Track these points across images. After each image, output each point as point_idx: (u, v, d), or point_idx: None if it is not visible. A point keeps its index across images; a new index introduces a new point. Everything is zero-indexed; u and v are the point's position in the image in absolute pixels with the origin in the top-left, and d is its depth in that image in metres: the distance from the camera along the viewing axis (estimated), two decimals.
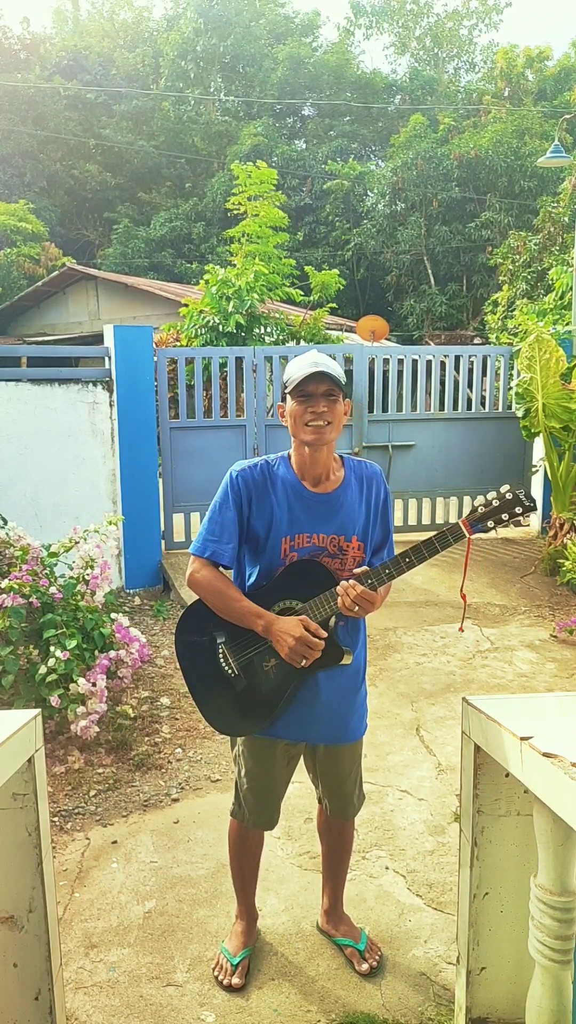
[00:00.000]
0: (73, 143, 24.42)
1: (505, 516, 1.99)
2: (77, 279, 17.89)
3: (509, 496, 2.00)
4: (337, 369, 2.06)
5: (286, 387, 2.07)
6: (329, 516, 2.11)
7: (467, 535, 1.99)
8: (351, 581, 1.98)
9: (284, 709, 2.12)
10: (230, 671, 2.12)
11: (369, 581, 1.99)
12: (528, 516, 1.99)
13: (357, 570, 2.02)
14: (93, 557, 4.10)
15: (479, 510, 2.01)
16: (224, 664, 2.12)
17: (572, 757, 1.44)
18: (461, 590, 2.21)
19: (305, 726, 2.19)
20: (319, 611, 2.04)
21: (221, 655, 2.13)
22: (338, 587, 1.99)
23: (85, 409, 5.80)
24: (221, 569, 2.14)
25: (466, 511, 7.25)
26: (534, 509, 2.01)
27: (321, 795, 2.42)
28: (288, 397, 2.07)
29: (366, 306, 21.09)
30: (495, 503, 2.00)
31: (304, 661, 2.00)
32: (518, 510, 1.98)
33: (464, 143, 19.94)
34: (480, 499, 2.02)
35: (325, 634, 2.01)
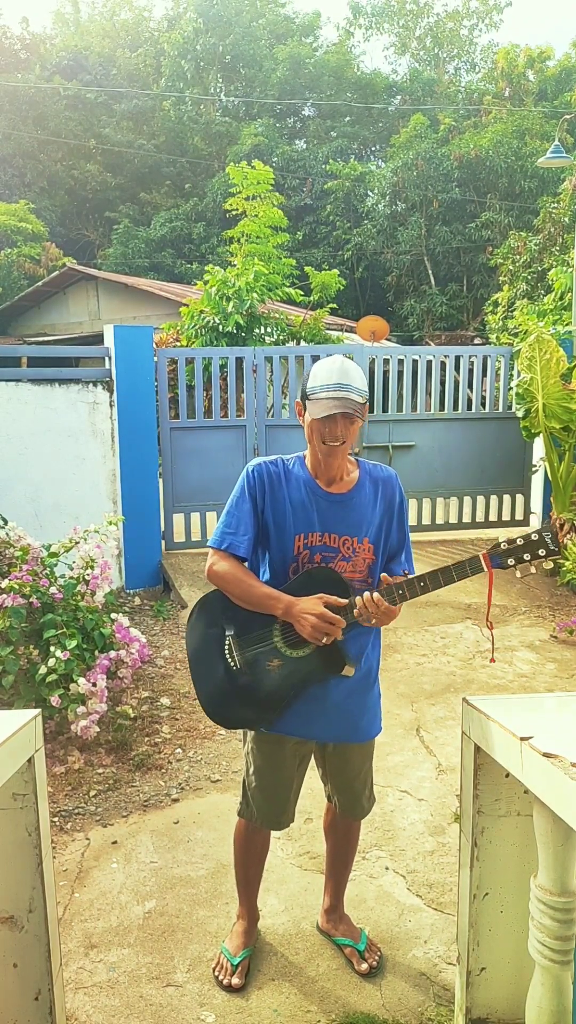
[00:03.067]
0: (73, 143, 24.42)
1: (527, 556, 1.99)
2: (77, 279, 17.90)
3: (535, 537, 2.00)
4: (361, 386, 2.05)
5: (308, 395, 2.06)
6: (342, 516, 2.13)
7: (486, 569, 2.00)
8: (375, 595, 1.99)
9: (282, 712, 2.12)
10: (233, 664, 2.13)
11: (388, 597, 2.01)
12: (549, 560, 2.00)
13: (394, 579, 2.03)
14: (93, 557, 4.10)
15: (502, 546, 2.01)
16: (229, 657, 2.14)
17: (572, 757, 1.44)
18: (487, 619, 2.22)
19: (314, 724, 2.19)
20: None
21: (227, 647, 2.14)
22: (358, 598, 2.00)
23: (85, 409, 5.80)
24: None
25: (466, 511, 7.27)
26: (558, 554, 2.00)
27: (330, 793, 2.41)
28: (307, 407, 2.07)
29: (366, 306, 21.09)
30: (520, 542, 2.00)
31: (326, 639, 2.00)
32: (542, 552, 1.98)
33: (464, 143, 19.94)
34: (506, 536, 2.03)
35: (344, 602, 2.02)
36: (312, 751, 2.33)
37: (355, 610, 2.01)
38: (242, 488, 2.15)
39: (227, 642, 2.14)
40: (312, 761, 2.38)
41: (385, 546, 2.18)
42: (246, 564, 2.15)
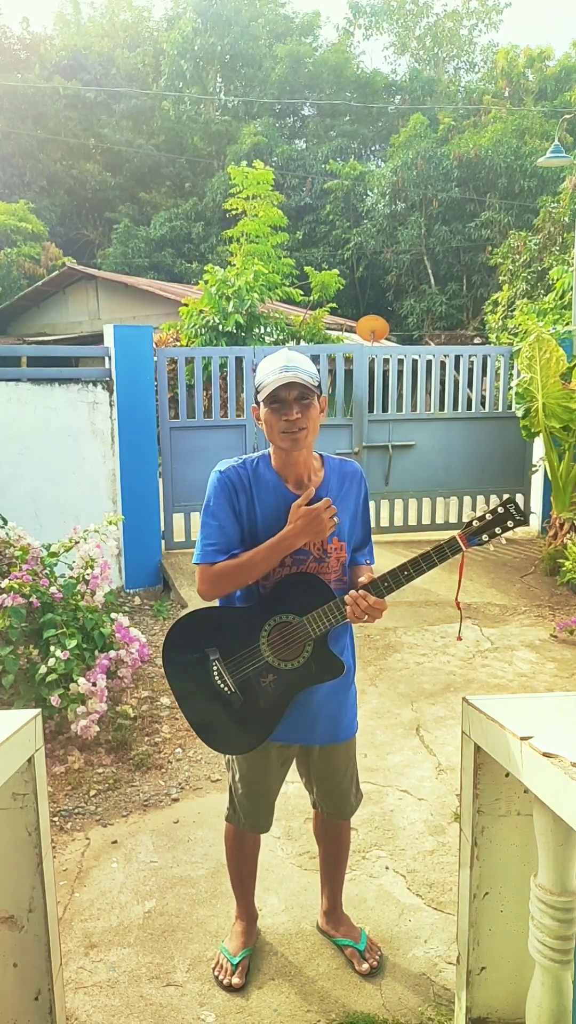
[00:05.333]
0: (73, 143, 24.42)
1: (498, 530, 2.03)
2: (77, 279, 17.89)
3: (501, 510, 2.03)
4: (310, 369, 2.02)
5: (258, 392, 2.03)
6: None
7: (464, 549, 2.02)
8: (361, 591, 1.98)
9: (282, 719, 2.11)
10: (226, 689, 2.06)
11: (375, 591, 2.00)
12: (516, 529, 2.07)
13: (362, 579, 2.04)
14: (93, 557, 4.10)
15: (474, 524, 2.04)
16: (219, 682, 2.06)
17: (572, 757, 1.44)
18: (456, 601, 2.23)
19: (300, 728, 2.18)
20: (322, 622, 2.03)
21: (216, 673, 2.06)
22: (347, 596, 2.00)
23: (85, 409, 5.80)
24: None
25: (466, 511, 7.27)
26: (524, 523, 2.06)
27: (317, 799, 2.40)
28: (260, 402, 2.03)
29: (366, 306, 21.08)
30: (488, 517, 2.03)
31: (332, 525, 2.00)
32: (510, 524, 2.03)
33: (464, 143, 19.94)
34: (474, 513, 2.06)
35: (313, 496, 2.03)
36: (294, 755, 2.31)
37: (347, 608, 2.00)
38: (216, 496, 2.07)
39: (214, 667, 2.06)
40: (295, 770, 2.37)
41: (351, 541, 2.17)
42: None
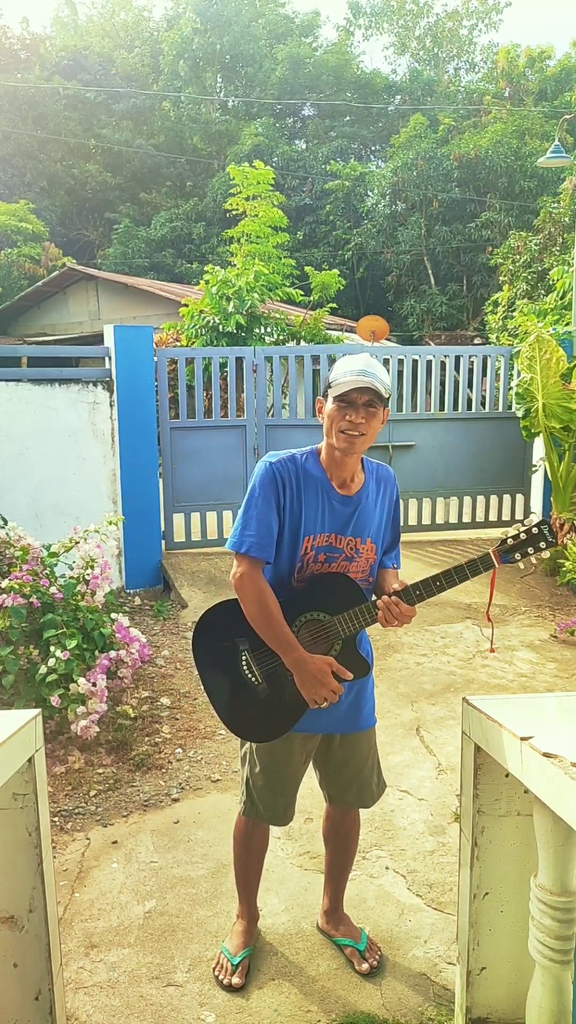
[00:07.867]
0: (73, 143, 24.44)
1: (531, 550, 2.07)
2: (77, 279, 17.90)
3: (535, 531, 2.07)
4: (384, 379, 2.04)
5: (330, 385, 2.06)
6: (350, 518, 2.13)
7: (496, 565, 2.07)
8: (393, 598, 2.05)
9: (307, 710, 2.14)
10: (254, 679, 2.11)
11: (407, 598, 2.07)
12: (547, 551, 2.11)
13: (395, 585, 2.09)
14: (93, 557, 4.10)
15: (508, 542, 2.08)
16: (248, 672, 2.12)
17: (572, 757, 1.44)
18: (487, 614, 2.38)
19: (323, 717, 2.19)
20: (353, 623, 2.09)
21: (244, 663, 2.12)
22: (379, 602, 2.06)
23: (85, 409, 5.80)
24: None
25: (466, 511, 7.28)
26: (555, 545, 2.12)
27: (337, 791, 2.39)
28: (329, 396, 2.06)
29: (366, 306, 21.10)
30: (523, 536, 2.07)
31: (326, 703, 2.06)
32: (542, 545, 2.07)
33: (464, 143, 19.96)
34: (510, 530, 2.10)
35: (351, 676, 2.08)
36: (316, 746, 2.32)
37: (378, 612, 2.06)
38: (262, 486, 2.08)
39: (243, 658, 2.12)
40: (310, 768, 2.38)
41: (383, 544, 2.22)
42: (267, 566, 2.12)
